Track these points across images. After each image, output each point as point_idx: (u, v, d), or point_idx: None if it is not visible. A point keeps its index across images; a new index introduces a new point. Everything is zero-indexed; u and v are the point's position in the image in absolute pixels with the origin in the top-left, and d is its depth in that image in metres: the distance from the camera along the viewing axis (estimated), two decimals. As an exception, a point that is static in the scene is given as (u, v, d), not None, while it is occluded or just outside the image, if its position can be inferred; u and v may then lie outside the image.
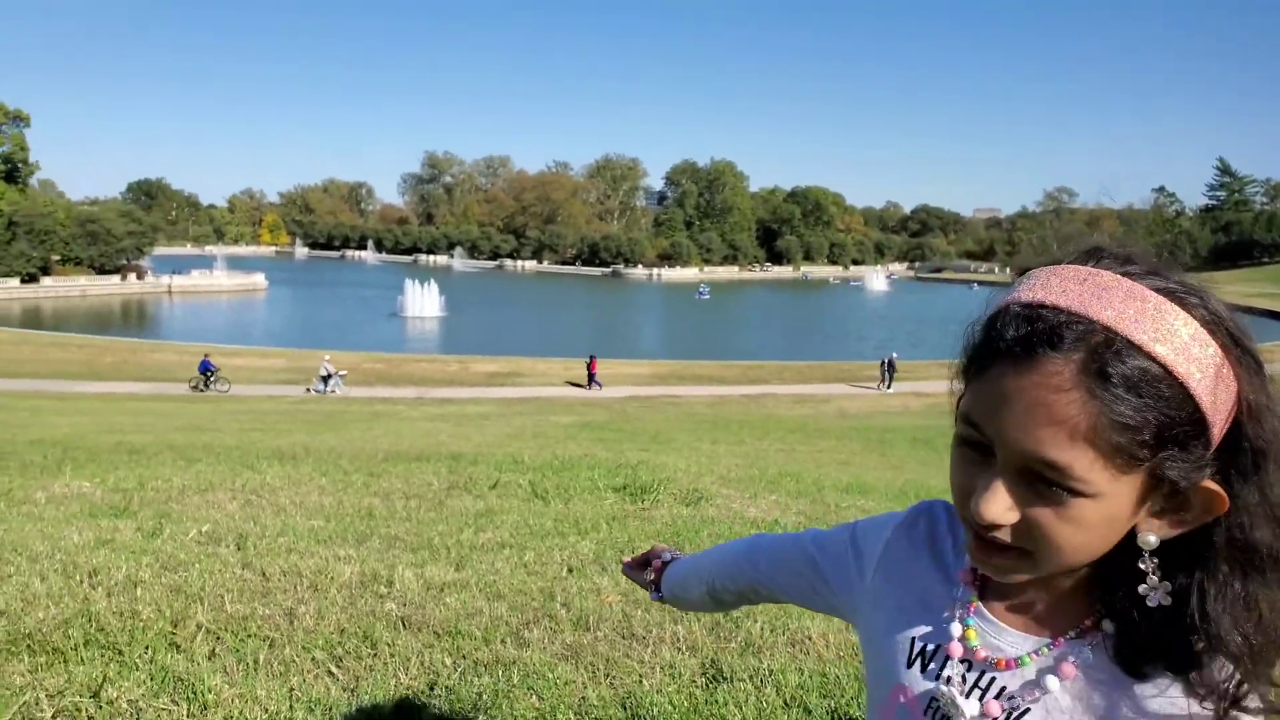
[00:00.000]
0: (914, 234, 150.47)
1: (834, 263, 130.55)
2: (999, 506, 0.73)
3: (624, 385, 30.58)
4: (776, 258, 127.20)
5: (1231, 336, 0.71)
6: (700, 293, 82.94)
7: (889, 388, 30.51)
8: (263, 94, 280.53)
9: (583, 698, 2.57)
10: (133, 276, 70.45)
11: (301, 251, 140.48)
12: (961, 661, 0.85)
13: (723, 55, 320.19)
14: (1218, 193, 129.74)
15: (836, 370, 35.56)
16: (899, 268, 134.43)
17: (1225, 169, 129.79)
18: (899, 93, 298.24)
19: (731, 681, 2.68)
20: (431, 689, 2.59)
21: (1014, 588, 0.84)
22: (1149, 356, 0.68)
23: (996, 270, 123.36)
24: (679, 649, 2.93)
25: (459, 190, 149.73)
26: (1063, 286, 0.72)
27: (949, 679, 0.85)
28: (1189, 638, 0.73)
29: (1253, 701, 0.73)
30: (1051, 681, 0.79)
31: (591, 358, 30.92)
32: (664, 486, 6.87)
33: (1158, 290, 0.71)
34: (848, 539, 1.03)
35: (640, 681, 2.66)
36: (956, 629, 0.86)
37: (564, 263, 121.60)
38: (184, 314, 58.89)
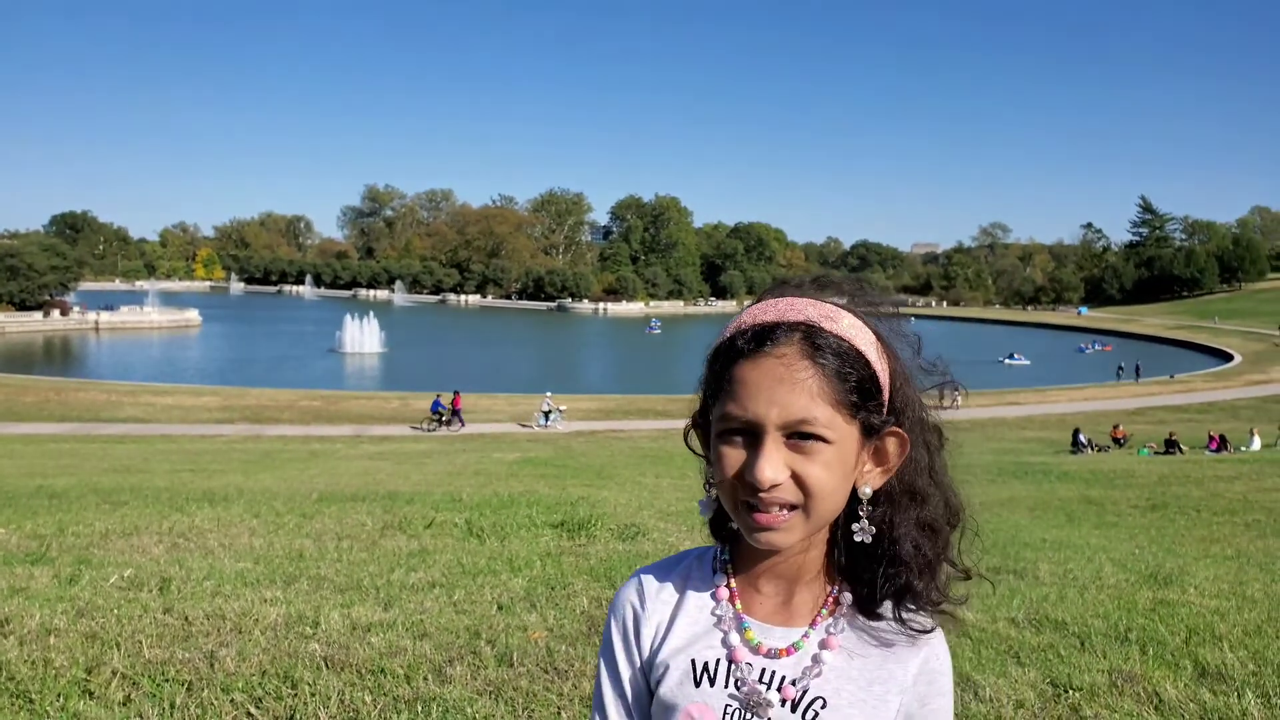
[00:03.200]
0: (853, 269, 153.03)
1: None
2: (774, 466, 0.93)
3: (570, 420, 30.48)
4: (720, 292, 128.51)
5: (876, 332, 1.01)
6: (651, 327, 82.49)
7: None
8: (196, 124, 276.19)
9: (501, 732, 2.61)
10: (56, 313, 68.06)
11: (237, 286, 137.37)
12: (747, 664, 1.00)
13: (666, 92, 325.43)
14: (1140, 229, 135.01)
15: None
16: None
17: (1147, 207, 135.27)
18: (839, 131, 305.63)
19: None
20: (351, 728, 2.61)
21: (765, 595, 1.04)
22: (838, 336, 0.96)
23: (934, 304, 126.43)
24: (599, 682, 2.98)
25: (400, 224, 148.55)
26: (767, 309, 0.99)
27: (741, 681, 0.99)
28: (895, 577, 0.99)
29: (928, 605, 1.00)
30: (825, 655, 0.99)
31: (456, 393, 29.71)
32: (601, 522, 6.92)
33: (832, 303, 1.01)
34: (623, 644, 1.07)
35: (559, 714, 2.71)
36: (735, 638, 1.02)
37: (508, 297, 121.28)
38: (112, 351, 57.12)
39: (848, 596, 1.01)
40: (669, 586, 1.08)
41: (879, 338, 1.01)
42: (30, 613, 3.58)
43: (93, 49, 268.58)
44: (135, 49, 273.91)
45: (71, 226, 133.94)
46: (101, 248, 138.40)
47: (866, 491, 0.99)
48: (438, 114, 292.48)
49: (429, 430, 27.81)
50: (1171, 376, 47.02)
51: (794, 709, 0.98)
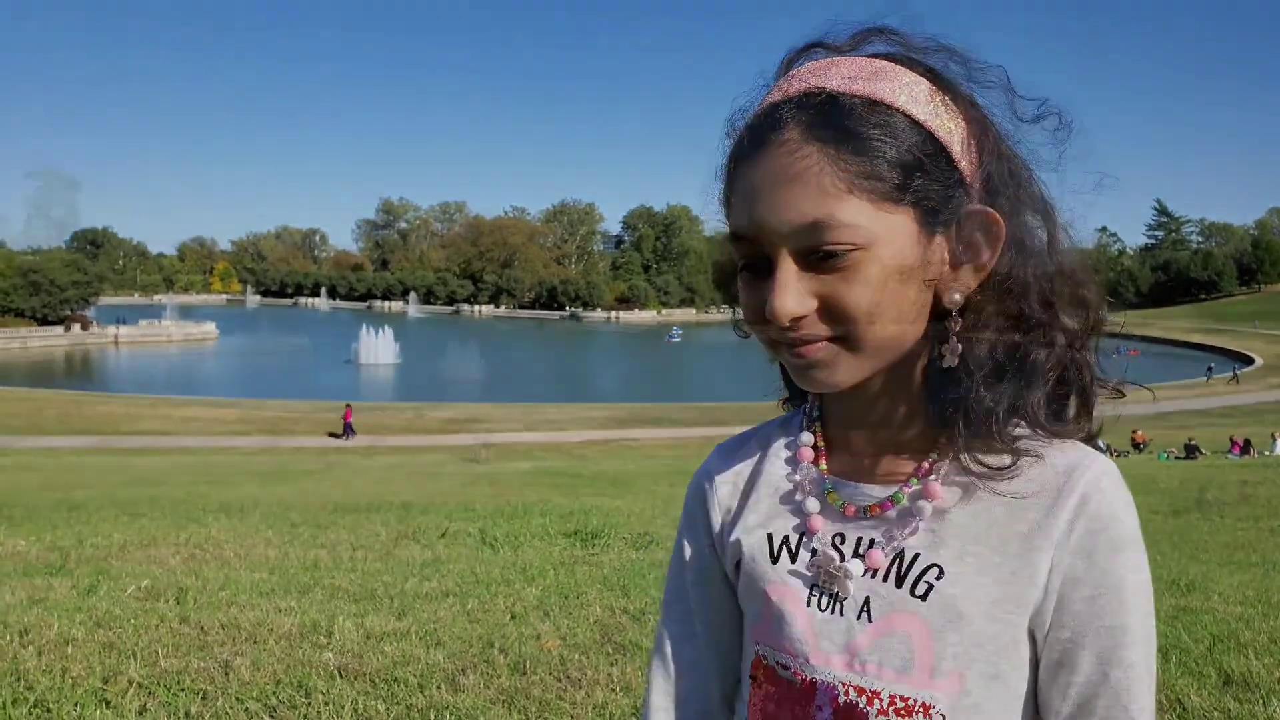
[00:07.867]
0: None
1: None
2: (791, 297, 0.72)
3: (583, 429, 30.53)
4: (733, 299, 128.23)
5: (936, 76, 0.75)
6: (671, 336, 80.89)
7: None
8: (213, 140, 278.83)
9: (515, 741, 2.60)
10: (77, 327, 68.72)
11: (253, 299, 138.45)
12: (837, 534, 0.81)
13: (678, 101, 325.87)
14: (1156, 232, 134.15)
15: (794, 410, 35.76)
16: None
17: (1163, 209, 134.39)
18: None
19: None
20: (364, 738, 2.60)
21: (858, 449, 0.83)
22: (855, 96, 0.71)
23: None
24: (613, 690, 2.97)
25: (414, 236, 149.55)
26: (789, 84, 0.75)
27: (817, 551, 0.81)
28: (1001, 398, 0.74)
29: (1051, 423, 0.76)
30: (923, 506, 0.77)
31: (347, 406, 29.29)
32: (615, 530, 6.90)
33: (876, 55, 0.75)
34: (686, 527, 0.95)
35: (572, 723, 2.70)
36: (812, 504, 0.83)
37: (522, 307, 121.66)
38: (131, 365, 57.60)
39: (960, 432, 0.75)
40: (745, 456, 0.92)
41: (940, 83, 0.74)
42: (49, 623, 3.59)
43: (110, 67, 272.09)
44: (153, 67, 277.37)
45: (92, 242, 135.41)
46: (121, 263, 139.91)
47: (956, 299, 0.74)
48: (450, 127, 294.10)
49: None
50: None
51: (899, 582, 0.77)
